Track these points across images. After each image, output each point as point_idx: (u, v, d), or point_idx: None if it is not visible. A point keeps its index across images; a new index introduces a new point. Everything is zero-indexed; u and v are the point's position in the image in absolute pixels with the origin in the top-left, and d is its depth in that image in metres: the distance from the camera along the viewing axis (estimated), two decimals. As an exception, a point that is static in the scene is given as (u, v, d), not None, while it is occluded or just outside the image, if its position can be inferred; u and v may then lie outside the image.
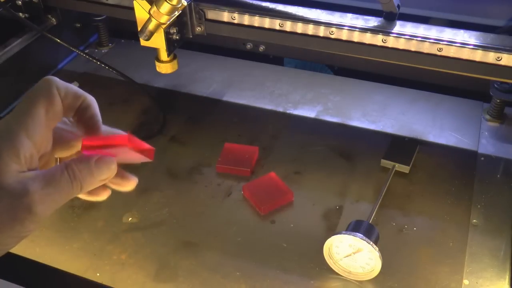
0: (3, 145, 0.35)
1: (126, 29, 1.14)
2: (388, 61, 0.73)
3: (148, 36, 0.71)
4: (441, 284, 0.68)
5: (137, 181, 0.42)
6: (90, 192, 0.41)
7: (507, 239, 0.72)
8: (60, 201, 0.36)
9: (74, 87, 0.39)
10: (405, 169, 0.82)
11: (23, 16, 0.93)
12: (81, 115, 0.41)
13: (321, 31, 0.73)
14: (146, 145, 0.40)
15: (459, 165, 0.84)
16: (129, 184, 0.42)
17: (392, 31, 0.70)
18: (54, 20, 0.97)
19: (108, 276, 0.70)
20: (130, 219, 0.78)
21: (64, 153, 0.42)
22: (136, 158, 0.40)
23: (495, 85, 0.86)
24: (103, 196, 0.42)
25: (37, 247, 0.74)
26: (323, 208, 0.78)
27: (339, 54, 0.75)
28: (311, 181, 0.83)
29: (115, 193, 0.43)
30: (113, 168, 0.38)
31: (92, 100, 0.41)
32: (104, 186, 0.41)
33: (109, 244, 0.74)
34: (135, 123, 0.95)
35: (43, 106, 0.37)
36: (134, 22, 0.73)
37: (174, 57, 0.77)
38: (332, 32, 0.73)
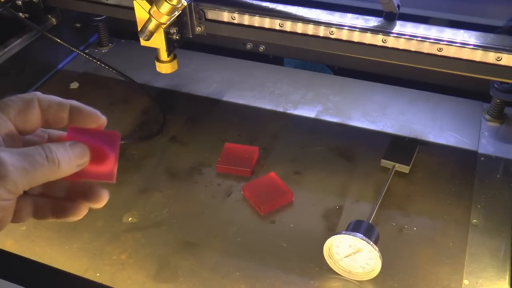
0: None
1: (126, 29, 1.14)
2: (388, 61, 0.73)
3: (148, 36, 0.71)
4: (441, 284, 0.68)
5: (109, 196, 0.43)
6: (67, 211, 0.41)
7: (507, 239, 0.72)
8: (35, 174, 0.36)
9: (57, 98, 0.41)
10: (405, 169, 0.82)
11: (23, 16, 0.93)
12: (78, 118, 0.41)
13: (321, 31, 0.73)
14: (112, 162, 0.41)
15: (459, 165, 0.84)
16: (102, 200, 0.42)
17: (392, 31, 0.70)
18: (54, 20, 0.97)
19: (108, 276, 0.70)
20: (130, 219, 0.78)
21: None
22: (105, 168, 0.40)
23: (495, 85, 0.86)
24: (79, 215, 0.42)
25: (37, 247, 0.74)
26: (323, 208, 0.78)
27: (339, 54, 0.75)
28: (311, 181, 0.83)
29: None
30: (86, 153, 0.39)
31: (79, 103, 0.42)
32: (80, 205, 0.42)
33: (109, 244, 0.74)
34: (135, 123, 0.95)
35: (16, 107, 0.40)
36: (134, 22, 0.73)
37: (174, 57, 0.77)
38: (332, 32, 0.73)
